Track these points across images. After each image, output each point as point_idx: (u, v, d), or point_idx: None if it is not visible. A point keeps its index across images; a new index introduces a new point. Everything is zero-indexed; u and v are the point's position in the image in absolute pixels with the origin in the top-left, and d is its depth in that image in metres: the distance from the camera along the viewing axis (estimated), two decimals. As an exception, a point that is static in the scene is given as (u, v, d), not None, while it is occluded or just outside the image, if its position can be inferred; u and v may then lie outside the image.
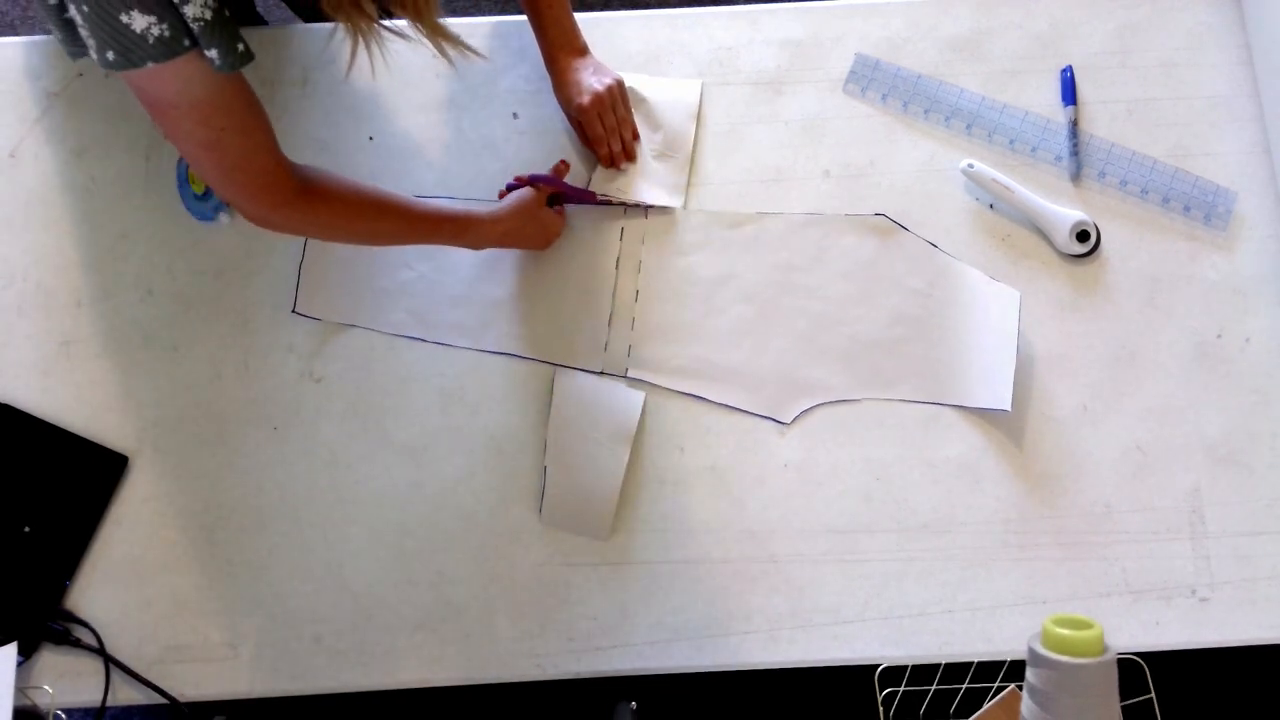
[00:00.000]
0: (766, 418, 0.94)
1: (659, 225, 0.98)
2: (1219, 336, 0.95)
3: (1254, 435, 0.93)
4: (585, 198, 0.97)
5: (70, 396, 0.95)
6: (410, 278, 0.97)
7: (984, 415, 0.94)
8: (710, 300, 0.96)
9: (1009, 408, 0.90)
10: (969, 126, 1.00)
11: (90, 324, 0.97)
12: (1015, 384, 0.90)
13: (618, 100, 0.96)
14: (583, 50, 0.97)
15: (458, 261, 0.97)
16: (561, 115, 1.00)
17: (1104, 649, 0.71)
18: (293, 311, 0.95)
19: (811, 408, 0.94)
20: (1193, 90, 1.00)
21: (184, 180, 0.98)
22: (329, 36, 1.02)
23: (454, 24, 1.02)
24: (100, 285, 0.98)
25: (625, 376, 0.95)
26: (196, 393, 0.96)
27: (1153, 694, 0.84)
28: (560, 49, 0.96)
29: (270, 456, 0.94)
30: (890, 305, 0.96)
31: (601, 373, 0.95)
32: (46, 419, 0.95)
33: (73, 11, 0.65)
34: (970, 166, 0.97)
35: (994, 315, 0.93)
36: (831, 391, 0.94)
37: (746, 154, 1.00)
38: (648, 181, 0.97)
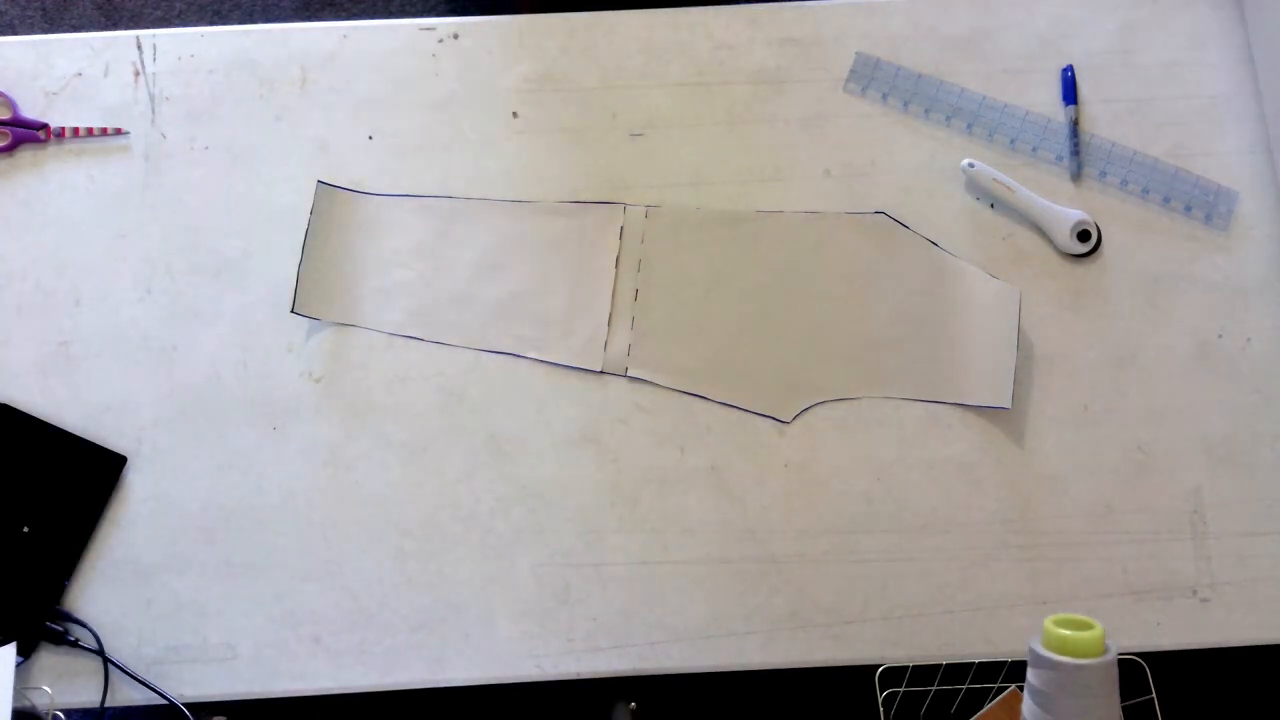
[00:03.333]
0: (767, 416, 0.94)
1: (659, 224, 0.98)
2: (1220, 336, 0.95)
3: (1255, 435, 0.92)
4: None
5: (69, 396, 0.95)
6: (409, 277, 0.97)
7: (984, 415, 0.93)
8: (710, 299, 0.96)
9: (1009, 405, 0.90)
10: (969, 126, 1.00)
11: (89, 324, 0.97)
12: (1015, 383, 0.90)
13: None
14: None
15: (455, 260, 0.97)
16: (562, 114, 1.00)
17: (1105, 649, 0.71)
18: (291, 312, 0.95)
19: (811, 406, 0.94)
20: (1194, 90, 1.00)
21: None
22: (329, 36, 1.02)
23: (455, 23, 1.03)
24: (99, 285, 0.98)
25: (625, 376, 0.95)
26: (196, 393, 0.95)
27: (1154, 694, 0.84)
28: None
29: (270, 456, 0.94)
30: (890, 303, 0.95)
31: (601, 372, 0.95)
32: (45, 419, 0.95)
33: None
34: (971, 166, 0.97)
35: (994, 313, 0.93)
36: (832, 390, 0.94)
37: (747, 153, 1.00)
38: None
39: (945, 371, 0.94)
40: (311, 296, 0.96)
